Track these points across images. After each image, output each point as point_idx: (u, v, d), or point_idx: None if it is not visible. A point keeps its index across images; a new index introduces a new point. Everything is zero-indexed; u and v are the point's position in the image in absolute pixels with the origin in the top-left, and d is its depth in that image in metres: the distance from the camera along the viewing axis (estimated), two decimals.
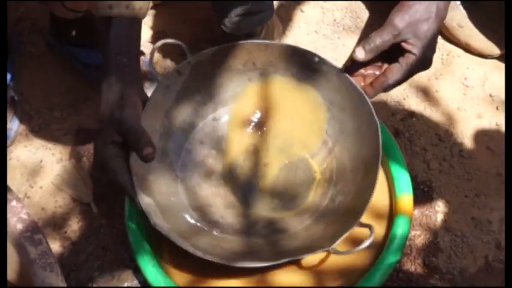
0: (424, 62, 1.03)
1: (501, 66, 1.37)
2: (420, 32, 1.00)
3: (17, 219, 0.86)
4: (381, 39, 1.01)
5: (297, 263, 1.07)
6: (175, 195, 1.09)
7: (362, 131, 1.07)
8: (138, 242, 1.06)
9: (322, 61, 1.09)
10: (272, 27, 1.37)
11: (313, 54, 1.09)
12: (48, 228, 1.18)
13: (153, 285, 1.03)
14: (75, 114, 1.32)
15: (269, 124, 1.16)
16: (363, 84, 1.07)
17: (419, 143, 1.27)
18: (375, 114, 1.04)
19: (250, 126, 1.16)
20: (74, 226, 1.19)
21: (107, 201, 1.21)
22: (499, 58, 1.37)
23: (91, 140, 1.28)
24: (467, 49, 1.39)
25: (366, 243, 0.98)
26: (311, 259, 1.07)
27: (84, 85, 1.34)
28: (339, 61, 1.36)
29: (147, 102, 1.06)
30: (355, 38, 1.42)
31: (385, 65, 1.05)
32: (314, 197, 1.10)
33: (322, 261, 1.07)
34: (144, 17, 1.05)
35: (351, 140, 1.09)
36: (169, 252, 1.08)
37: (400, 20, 1.00)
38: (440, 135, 1.28)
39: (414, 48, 1.01)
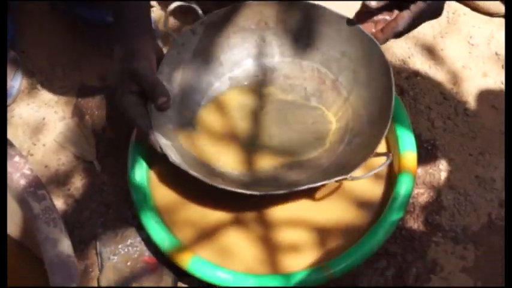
0: (435, 9, 1.03)
1: None
2: None
3: (20, 174, 0.85)
4: None
5: (300, 224, 1.07)
6: (193, 143, 1.11)
7: (375, 77, 1.08)
8: (141, 199, 1.06)
9: (332, 12, 1.10)
10: None
11: (323, 7, 1.11)
12: (51, 185, 1.18)
13: (156, 242, 1.04)
14: (77, 72, 1.31)
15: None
16: (374, 30, 1.07)
17: (424, 102, 1.26)
18: (386, 58, 1.06)
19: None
20: (77, 184, 1.19)
21: (110, 159, 1.21)
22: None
23: (94, 97, 1.28)
24: (474, 7, 1.37)
25: (384, 165, 1.01)
26: (313, 218, 1.08)
27: (87, 43, 1.33)
28: None
29: (163, 59, 1.09)
30: None
31: (396, 12, 1.05)
32: (330, 144, 1.11)
33: (325, 220, 1.07)
34: None
35: (365, 88, 1.11)
36: (173, 208, 1.08)
37: None
38: (445, 93, 1.27)
39: None
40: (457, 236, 1.13)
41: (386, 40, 1.07)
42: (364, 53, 1.10)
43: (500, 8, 1.35)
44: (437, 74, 1.30)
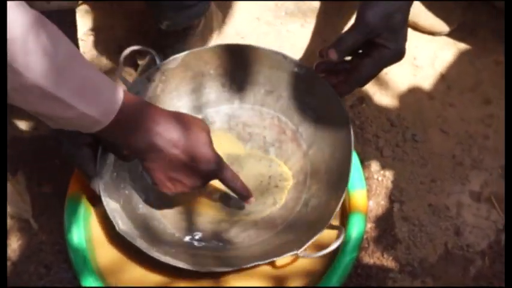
0: (397, 53, 0.97)
1: (451, 43, 1.33)
2: (393, 24, 0.94)
3: None
4: (354, 39, 0.95)
5: (254, 273, 1.02)
6: (146, 202, 1.05)
7: (335, 132, 1.04)
8: (81, 263, 1.00)
9: (293, 61, 1.06)
10: (211, 17, 1.30)
11: (284, 56, 1.06)
12: None
13: None
14: (8, 123, 1.24)
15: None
16: (336, 81, 1.02)
17: (371, 130, 1.23)
18: (347, 113, 1.02)
19: None
20: (14, 245, 1.12)
21: (47, 216, 1.14)
22: (448, 35, 1.33)
23: (26, 150, 1.21)
24: (415, 27, 1.34)
25: (336, 244, 0.95)
26: (268, 265, 1.03)
27: None
28: (283, 48, 1.31)
29: None
30: (299, 22, 1.36)
31: (356, 60, 1.00)
32: (286, 201, 1.06)
33: (280, 265, 1.03)
34: None
35: (326, 142, 1.06)
36: (115, 268, 1.03)
37: (373, 16, 0.93)
38: (392, 119, 1.24)
39: (387, 42, 0.95)
40: (414, 270, 1.09)
41: (350, 91, 1.02)
42: (325, 105, 1.05)
43: (443, 27, 1.32)
44: (383, 99, 1.27)
